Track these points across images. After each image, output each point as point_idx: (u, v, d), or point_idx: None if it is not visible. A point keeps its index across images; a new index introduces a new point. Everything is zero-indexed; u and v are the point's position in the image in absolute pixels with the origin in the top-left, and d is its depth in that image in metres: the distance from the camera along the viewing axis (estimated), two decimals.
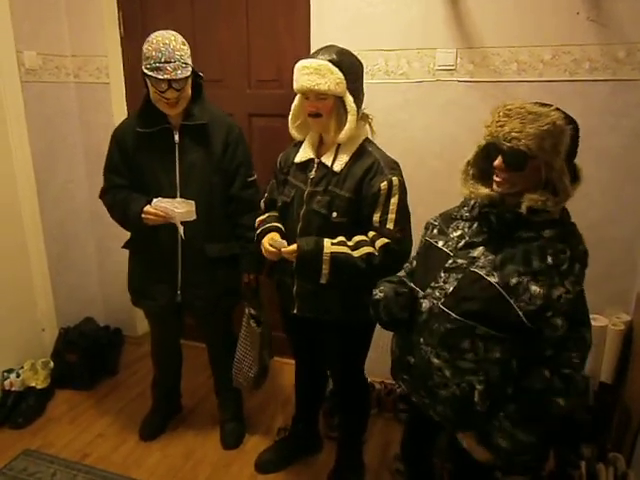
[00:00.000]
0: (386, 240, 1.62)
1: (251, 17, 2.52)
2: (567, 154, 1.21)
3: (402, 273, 1.57)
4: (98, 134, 2.83)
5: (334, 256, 1.62)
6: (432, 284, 1.36)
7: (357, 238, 1.66)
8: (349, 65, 1.62)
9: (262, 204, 1.95)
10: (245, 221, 2.02)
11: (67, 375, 2.67)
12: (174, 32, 1.85)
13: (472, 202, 1.39)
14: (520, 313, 1.22)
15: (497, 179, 1.26)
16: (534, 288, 1.21)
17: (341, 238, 1.66)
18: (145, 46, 1.80)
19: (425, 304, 1.36)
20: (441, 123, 2.26)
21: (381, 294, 1.48)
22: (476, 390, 1.29)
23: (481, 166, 1.30)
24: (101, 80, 2.76)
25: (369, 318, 1.53)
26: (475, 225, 1.35)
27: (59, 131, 2.79)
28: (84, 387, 2.68)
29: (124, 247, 2.15)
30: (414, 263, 1.54)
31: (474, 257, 1.30)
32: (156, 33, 1.82)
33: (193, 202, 1.88)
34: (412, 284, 1.45)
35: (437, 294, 1.34)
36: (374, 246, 1.64)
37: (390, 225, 1.64)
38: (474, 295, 1.26)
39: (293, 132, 1.79)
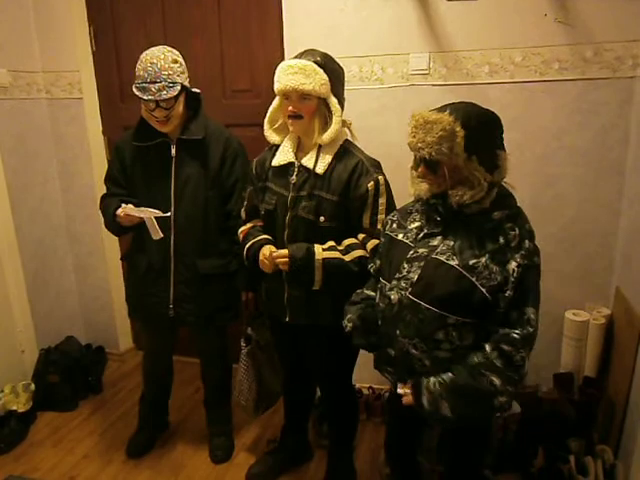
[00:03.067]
0: (377, 241, 1.62)
1: (224, 29, 2.52)
2: (474, 148, 1.27)
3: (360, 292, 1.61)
4: (72, 150, 2.80)
5: (326, 262, 1.61)
6: (396, 275, 1.41)
7: (347, 242, 1.66)
8: (332, 68, 1.64)
9: (243, 213, 1.92)
10: None
11: (49, 397, 2.61)
12: (168, 48, 1.85)
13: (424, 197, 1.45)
14: (483, 290, 1.29)
15: (427, 181, 1.38)
16: (492, 266, 1.30)
17: (331, 243, 1.65)
18: (137, 64, 1.81)
19: (394, 296, 1.41)
20: None
21: (350, 324, 1.54)
22: None
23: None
24: (74, 95, 2.73)
25: None
26: (430, 216, 1.42)
27: (32, 148, 2.74)
28: (67, 408, 2.63)
29: (122, 259, 2.20)
30: (377, 262, 1.57)
31: (434, 245, 1.38)
32: (148, 51, 1.83)
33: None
34: (381, 280, 1.49)
35: (403, 284, 1.39)
36: (365, 249, 1.64)
37: (380, 226, 1.64)
38: (438, 280, 1.33)
39: (269, 134, 1.77)
